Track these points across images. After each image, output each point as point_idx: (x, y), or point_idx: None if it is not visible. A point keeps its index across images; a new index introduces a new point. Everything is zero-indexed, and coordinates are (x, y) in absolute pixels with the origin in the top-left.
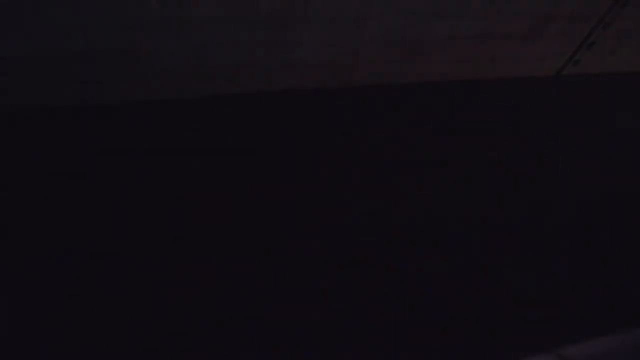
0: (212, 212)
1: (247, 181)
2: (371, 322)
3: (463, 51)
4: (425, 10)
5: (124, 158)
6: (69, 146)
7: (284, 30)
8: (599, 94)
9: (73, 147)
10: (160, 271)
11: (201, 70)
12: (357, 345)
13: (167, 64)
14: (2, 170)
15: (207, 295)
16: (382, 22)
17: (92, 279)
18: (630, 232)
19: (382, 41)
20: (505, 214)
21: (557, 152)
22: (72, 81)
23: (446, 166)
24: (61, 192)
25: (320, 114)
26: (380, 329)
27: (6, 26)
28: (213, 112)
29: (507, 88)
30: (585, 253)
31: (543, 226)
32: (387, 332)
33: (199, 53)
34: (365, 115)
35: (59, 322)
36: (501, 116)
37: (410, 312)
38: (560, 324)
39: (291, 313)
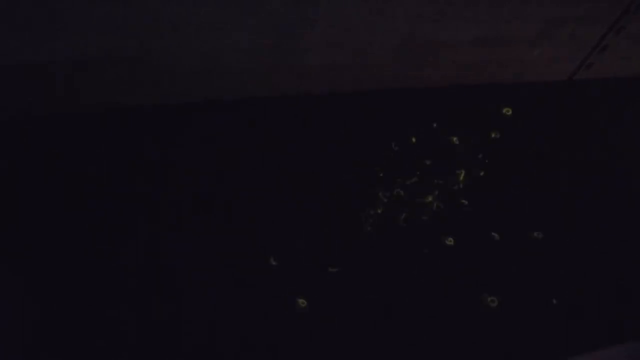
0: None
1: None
2: None
3: (472, 55)
4: (433, 14)
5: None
6: (82, 153)
7: (290, 35)
8: (612, 98)
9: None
10: None
11: (209, 75)
12: None
13: (174, 69)
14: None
15: None
16: (391, 27)
17: None
18: None
19: (390, 46)
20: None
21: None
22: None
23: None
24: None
25: (328, 118)
26: None
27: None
28: (219, 117)
29: (518, 93)
30: None
31: None
32: None
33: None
34: (372, 119)
35: None
36: (510, 121)
37: None
38: None
39: None
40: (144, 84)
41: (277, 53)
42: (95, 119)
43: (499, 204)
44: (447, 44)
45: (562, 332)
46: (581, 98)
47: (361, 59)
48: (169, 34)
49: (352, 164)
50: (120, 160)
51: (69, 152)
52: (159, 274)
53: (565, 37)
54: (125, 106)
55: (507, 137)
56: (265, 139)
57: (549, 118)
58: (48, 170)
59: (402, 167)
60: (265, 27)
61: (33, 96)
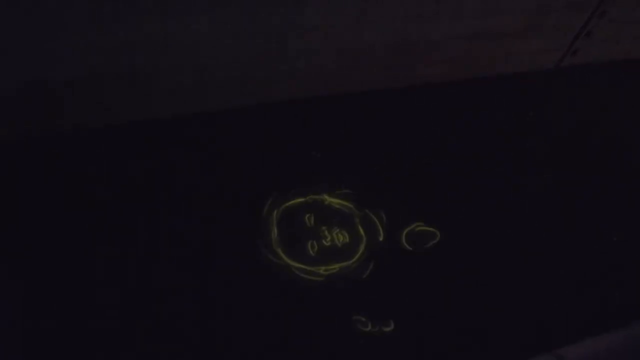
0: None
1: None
2: None
3: (462, 51)
4: (423, 12)
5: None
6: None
7: (281, 41)
8: (599, 83)
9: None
10: None
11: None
12: None
13: (167, 83)
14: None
15: None
16: (381, 27)
17: None
18: None
19: (381, 46)
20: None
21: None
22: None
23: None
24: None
25: (325, 120)
26: None
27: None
28: (217, 127)
29: (508, 85)
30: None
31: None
32: None
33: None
34: (371, 119)
35: None
36: (505, 114)
37: None
38: None
39: None
40: (139, 96)
41: (272, 58)
42: (90, 134)
43: (499, 204)
44: (441, 41)
45: (561, 328)
46: (569, 85)
47: (357, 60)
48: (160, 46)
49: (351, 164)
50: (119, 169)
51: (68, 166)
52: (158, 275)
53: (550, 26)
54: (120, 120)
55: (501, 129)
56: (263, 142)
57: (539, 107)
58: (46, 184)
59: (403, 167)
60: (259, 33)
61: (25, 113)
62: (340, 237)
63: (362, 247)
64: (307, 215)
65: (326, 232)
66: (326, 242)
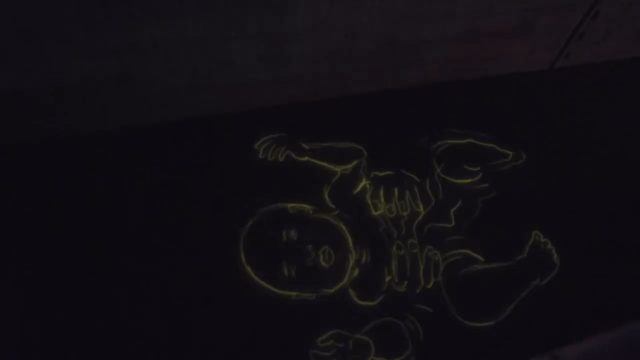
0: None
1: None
2: None
3: (455, 51)
4: (414, 12)
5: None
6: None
7: (276, 46)
8: (592, 85)
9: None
10: None
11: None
12: None
13: (159, 88)
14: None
15: None
16: (374, 30)
17: None
18: None
19: (375, 49)
20: None
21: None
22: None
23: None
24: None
25: (320, 124)
26: None
27: None
28: (212, 132)
29: (501, 85)
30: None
31: None
32: None
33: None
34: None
35: None
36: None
37: None
38: None
39: None
40: (139, 105)
41: (264, 64)
42: (83, 139)
43: (494, 207)
44: (434, 42)
45: (557, 328)
46: (563, 87)
47: (349, 62)
48: (152, 53)
49: (345, 168)
50: (111, 174)
51: (59, 171)
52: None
53: (544, 27)
54: (113, 125)
55: (494, 132)
56: (248, 146)
57: (533, 109)
58: (38, 189)
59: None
60: (252, 39)
61: (14, 123)
62: (326, 258)
63: (349, 271)
64: (287, 230)
65: (310, 250)
66: (308, 262)
